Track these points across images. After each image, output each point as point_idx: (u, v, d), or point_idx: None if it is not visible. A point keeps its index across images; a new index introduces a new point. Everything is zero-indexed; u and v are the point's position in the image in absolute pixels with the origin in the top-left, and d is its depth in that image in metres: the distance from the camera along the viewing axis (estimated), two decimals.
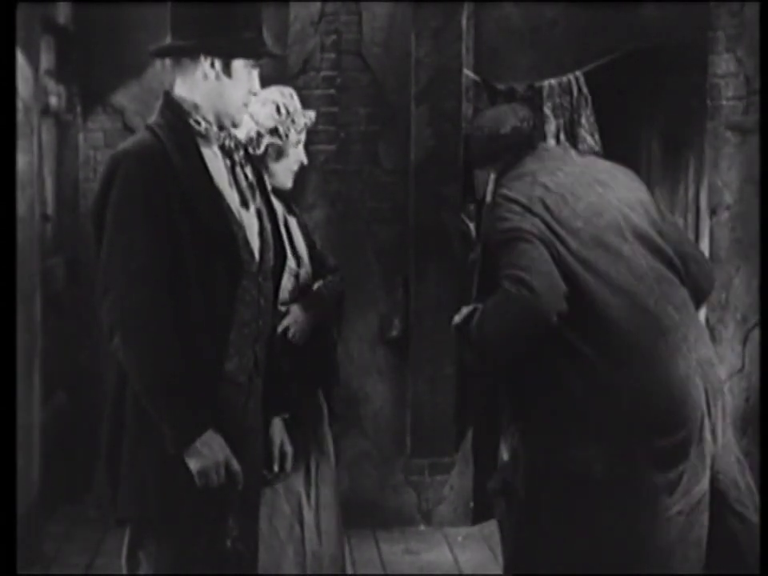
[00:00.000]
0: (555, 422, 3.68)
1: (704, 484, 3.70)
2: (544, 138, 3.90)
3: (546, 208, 3.71)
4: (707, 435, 3.70)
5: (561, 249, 3.65)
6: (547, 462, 3.69)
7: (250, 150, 3.87)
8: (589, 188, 3.81)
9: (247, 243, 3.10)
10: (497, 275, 3.65)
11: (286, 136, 3.98)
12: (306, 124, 4.03)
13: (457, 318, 3.77)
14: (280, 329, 3.89)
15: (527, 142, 3.92)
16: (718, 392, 3.76)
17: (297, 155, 4.03)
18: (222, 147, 3.15)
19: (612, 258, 3.69)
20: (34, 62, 5.31)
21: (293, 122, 3.99)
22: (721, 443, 3.76)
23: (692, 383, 3.68)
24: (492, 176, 3.94)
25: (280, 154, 3.99)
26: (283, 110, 3.98)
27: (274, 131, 3.96)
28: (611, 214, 3.77)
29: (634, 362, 3.64)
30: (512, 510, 3.82)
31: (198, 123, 3.10)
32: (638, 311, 3.67)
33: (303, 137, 4.05)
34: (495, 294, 3.63)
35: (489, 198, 3.89)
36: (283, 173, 4.02)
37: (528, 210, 3.71)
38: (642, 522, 3.64)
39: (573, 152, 3.98)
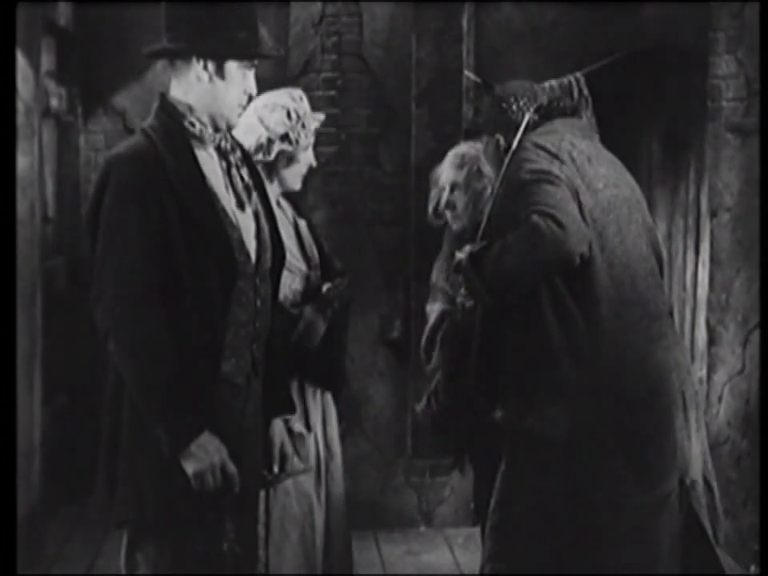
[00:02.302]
0: (530, 376, 3.65)
1: (671, 483, 3.68)
2: (573, 113, 3.87)
3: (573, 160, 3.69)
4: (682, 438, 3.69)
5: (582, 199, 3.63)
6: (517, 416, 3.66)
7: (260, 157, 3.85)
8: (609, 163, 3.82)
9: (242, 245, 3.10)
10: (517, 214, 3.58)
11: (297, 142, 3.92)
12: (315, 127, 3.99)
13: (465, 252, 3.70)
14: (295, 335, 3.89)
15: (559, 112, 3.89)
16: (693, 401, 3.76)
17: (307, 159, 3.99)
18: (217, 149, 3.15)
19: (619, 230, 3.68)
20: (34, 64, 5.31)
21: (303, 126, 3.92)
22: (694, 454, 3.74)
23: (667, 375, 3.69)
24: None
25: (291, 159, 3.94)
26: (294, 115, 3.91)
27: (284, 137, 3.90)
28: (627, 191, 3.79)
29: (616, 335, 3.63)
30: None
31: (193, 125, 3.10)
32: (630, 289, 3.67)
33: (312, 140, 3.99)
34: (520, 228, 3.55)
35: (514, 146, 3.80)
36: (293, 177, 3.98)
37: (556, 157, 3.67)
38: (598, 502, 3.62)
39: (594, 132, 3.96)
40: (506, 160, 3.78)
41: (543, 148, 3.69)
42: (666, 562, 3.70)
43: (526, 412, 3.63)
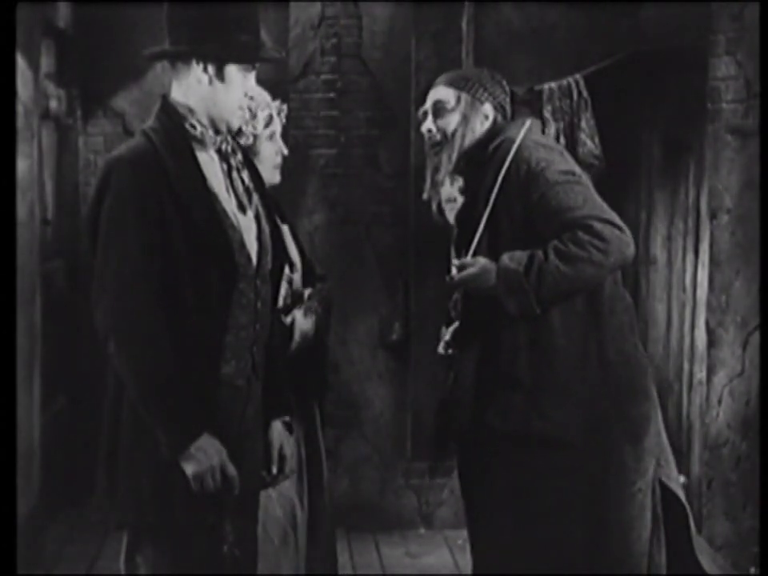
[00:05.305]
0: (540, 379, 3.62)
1: (652, 468, 3.72)
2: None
3: (573, 159, 3.70)
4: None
5: None
6: (525, 421, 3.63)
7: None
8: None
9: (243, 247, 3.09)
10: (550, 218, 3.49)
11: (254, 134, 3.89)
12: (270, 115, 3.93)
13: (512, 264, 3.52)
14: (294, 345, 3.88)
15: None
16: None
17: (274, 148, 3.94)
18: (218, 151, 3.14)
19: None
20: (34, 66, 5.31)
21: (254, 116, 3.87)
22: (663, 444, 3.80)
23: (645, 359, 3.77)
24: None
25: (253, 153, 3.86)
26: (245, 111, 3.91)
27: (239, 133, 3.86)
28: None
29: (614, 330, 3.65)
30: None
31: (194, 127, 3.10)
32: (614, 284, 3.68)
33: (277, 128, 3.94)
34: (575, 235, 3.45)
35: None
36: (265, 171, 3.88)
37: (561, 154, 3.65)
38: (611, 492, 3.64)
39: None
40: (508, 159, 3.61)
41: (545, 146, 3.63)
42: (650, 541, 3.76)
43: (534, 416, 3.61)
